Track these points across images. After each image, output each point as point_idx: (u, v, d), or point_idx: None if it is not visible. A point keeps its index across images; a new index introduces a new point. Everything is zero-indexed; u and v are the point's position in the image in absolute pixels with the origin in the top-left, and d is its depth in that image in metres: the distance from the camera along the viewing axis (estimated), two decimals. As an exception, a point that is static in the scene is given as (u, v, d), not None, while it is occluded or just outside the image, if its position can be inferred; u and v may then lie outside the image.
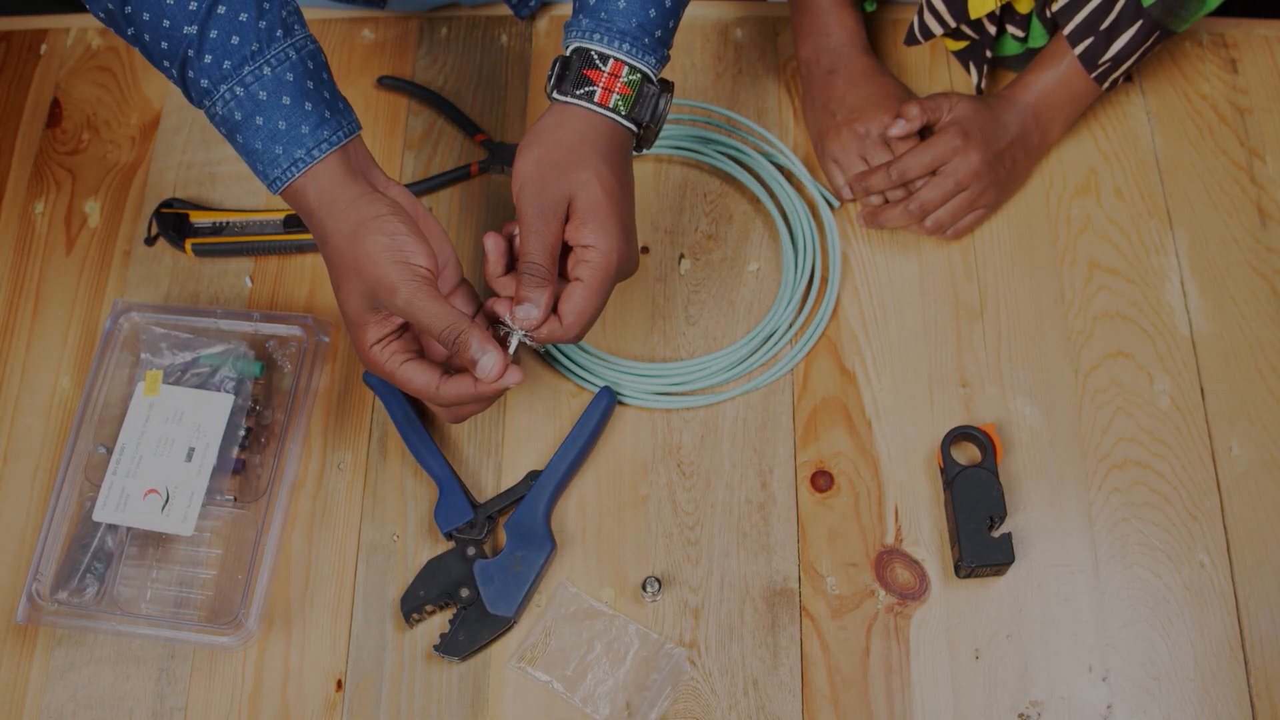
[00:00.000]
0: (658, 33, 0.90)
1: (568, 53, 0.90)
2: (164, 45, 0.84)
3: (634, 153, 0.93)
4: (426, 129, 1.18)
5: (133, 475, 0.98)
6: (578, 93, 0.89)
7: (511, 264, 0.90)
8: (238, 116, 0.84)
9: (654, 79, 0.90)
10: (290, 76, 0.85)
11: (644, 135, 0.92)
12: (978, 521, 0.96)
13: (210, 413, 1.00)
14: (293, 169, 0.85)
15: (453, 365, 0.90)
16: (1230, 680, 0.93)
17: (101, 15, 0.87)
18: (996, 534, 0.96)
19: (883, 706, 0.93)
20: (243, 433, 1.01)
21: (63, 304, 1.10)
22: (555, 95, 0.90)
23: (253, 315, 1.05)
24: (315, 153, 0.85)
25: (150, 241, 1.12)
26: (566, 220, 0.88)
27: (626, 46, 0.89)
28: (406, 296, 0.84)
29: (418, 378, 0.88)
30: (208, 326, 1.05)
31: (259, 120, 0.84)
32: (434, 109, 1.18)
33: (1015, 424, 1.02)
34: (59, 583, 0.96)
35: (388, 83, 1.19)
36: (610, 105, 0.89)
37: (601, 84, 0.88)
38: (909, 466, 1.01)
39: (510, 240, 0.90)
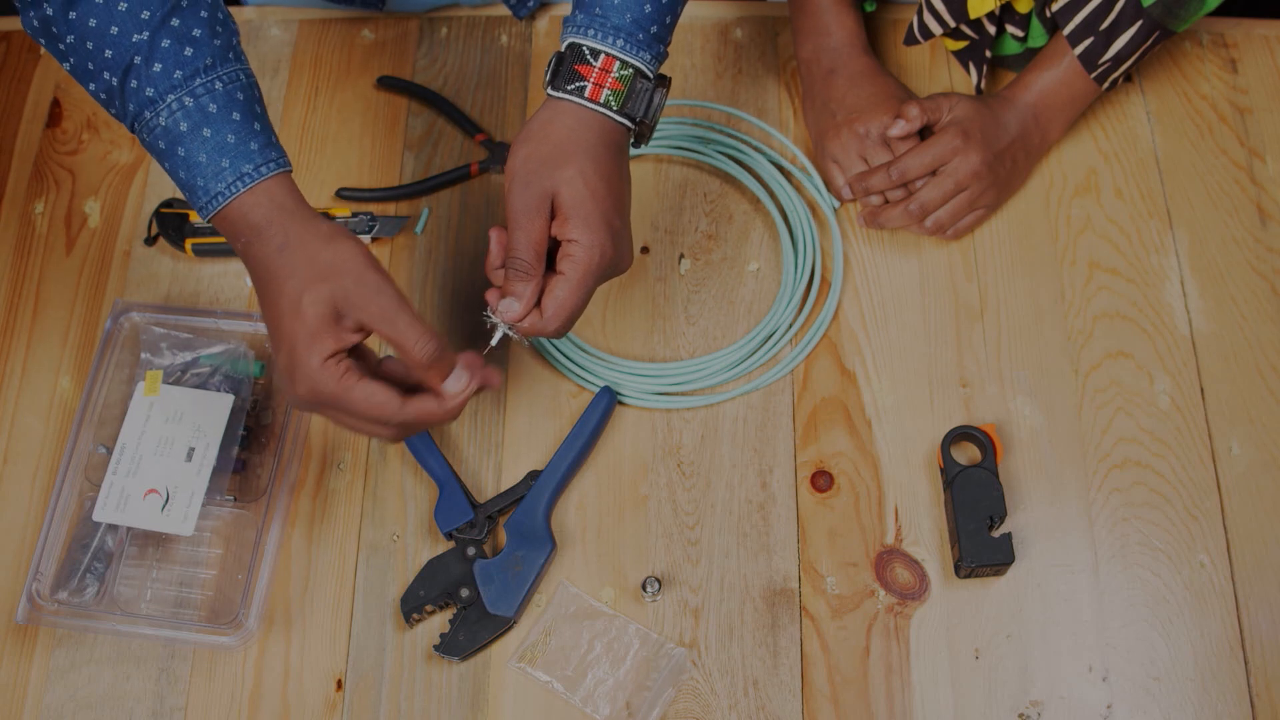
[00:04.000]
0: (653, 28, 0.89)
1: (563, 48, 0.90)
2: (107, 53, 0.82)
3: (632, 147, 0.93)
4: (426, 129, 1.17)
5: (133, 475, 0.98)
6: (569, 88, 0.89)
7: None
8: (183, 127, 0.83)
9: (649, 74, 0.90)
10: (240, 96, 0.84)
11: (640, 131, 0.92)
12: (978, 521, 0.96)
13: (210, 413, 1.00)
14: (239, 183, 0.83)
15: (405, 382, 0.87)
16: (1230, 680, 0.93)
17: (35, 24, 0.85)
18: (996, 534, 0.96)
19: (883, 706, 0.93)
20: (243, 433, 1.01)
21: (63, 304, 1.10)
22: (549, 90, 0.90)
23: (253, 315, 1.05)
24: (265, 169, 0.84)
25: (150, 242, 1.12)
26: (553, 216, 0.88)
27: (620, 42, 0.88)
28: (391, 298, 0.82)
29: (377, 395, 0.83)
30: (208, 326, 1.05)
31: (206, 132, 0.83)
32: (434, 109, 1.18)
33: (1015, 424, 1.02)
34: (59, 583, 0.96)
35: (388, 83, 1.19)
36: (601, 100, 0.88)
37: (592, 79, 0.88)
38: (909, 466, 1.01)
39: None
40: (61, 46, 0.84)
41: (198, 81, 0.83)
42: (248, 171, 0.83)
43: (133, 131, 0.85)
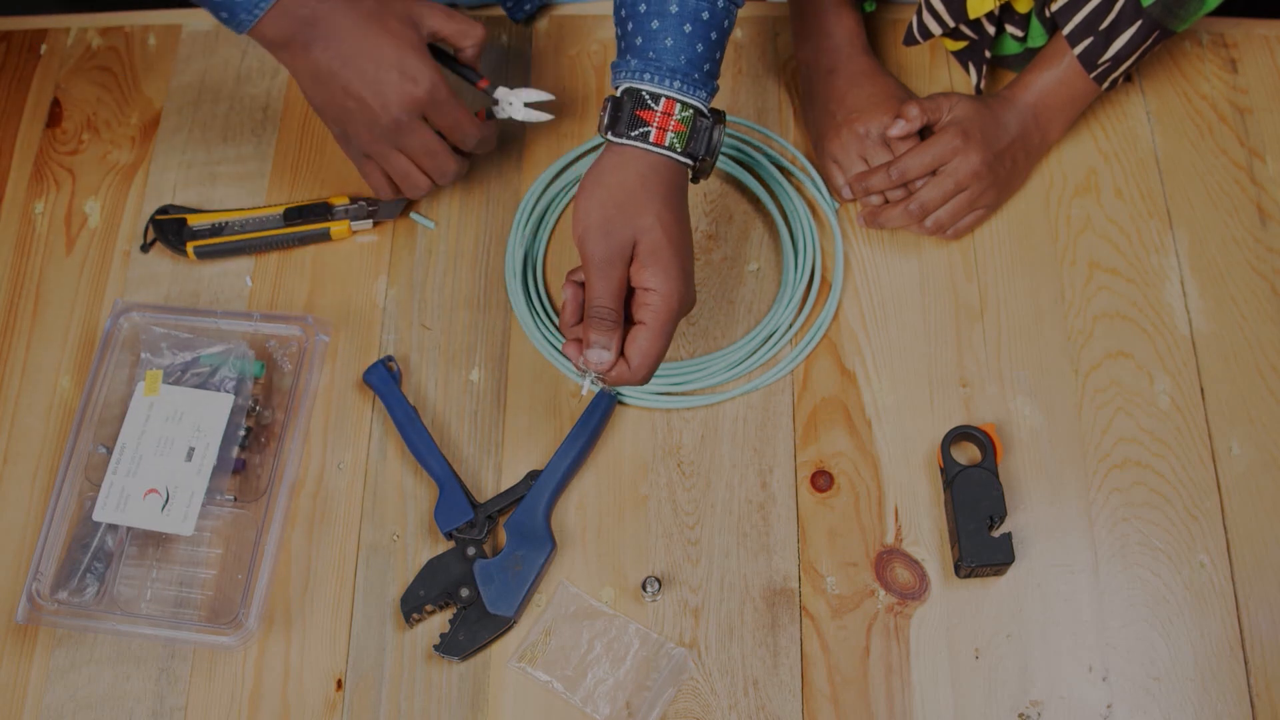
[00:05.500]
0: (706, 66, 0.90)
1: (618, 93, 0.90)
2: None
3: (691, 183, 0.94)
4: (426, 129, 1.17)
5: (133, 475, 0.98)
6: (633, 134, 0.89)
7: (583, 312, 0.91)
8: None
9: (706, 112, 0.91)
10: None
11: (700, 167, 0.92)
12: (978, 521, 0.96)
13: (210, 412, 1.00)
14: None
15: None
16: (1230, 680, 0.93)
17: None
18: (996, 534, 0.96)
19: (883, 706, 0.93)
20: (243, 433, 1.01)
21: (63, 304, 1.10)
22: (610, 137, 0.90)
23: (253, 315, 1.05)
24: None
25: (146, 249, 1.12)
26: (630, 262, 0.89)
27: (677, 84, 0.89)
28: (441, 9, 1.01)
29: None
30: (208, 326, 1.05)
31: None
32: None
33: (1015, 424, 1.02)
34: (59, 582, 0.96)
35: None
36: (666, 144, 0.89)
37: (655, 123, 0.89)
38: (909, 466, 1.01)
39: (583, 287, 0.91)
40: None
41: None
42: None
43: None
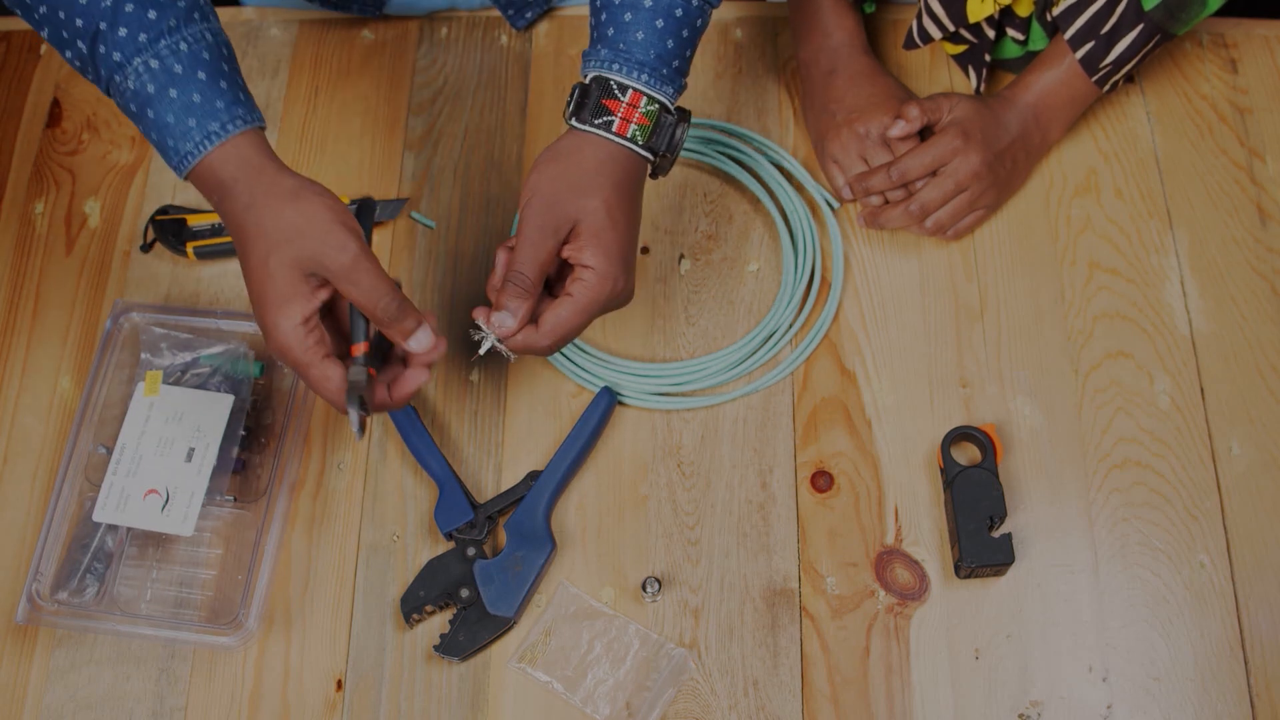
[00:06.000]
0: (675, 63, 0.90)
1: (586, 80, 0.90)
2: (77, 22, 0.83)
3: (650, 178, 0.94)
4: (426, 129, 1.17)
5: (133, 475, 0.98)
6: (596, 122, 0.89)
7: None
8: (150, 89, 0.83)
9: (671, 108, 0.91)
10: (206, 56, 0.84)
11: (659, 164, 0.92)
12: (978, 521, 0.96)
13: (210, 413, 1.00)
14: (206, 142, 0.83)
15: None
16: (1230, 680, 0.93)
17: None
18: (996, 534, 0.96)
19: (883, 706, 0.93)
20: (243, 433, 1.01)
21: (63, 304, 1.10)
22: (574, 123, 0.90)
23: (253, 315, 1.05)
24: (231, 127, 0.84)
25: (146, 249, 1.12)
26: (566, 241, 0.88)
27: (645, 77, 0.89)
28: (356, 254, 0.82)
29: (333, 379, 0.83)
30: (208, 327, 1.05)
31: (172, 93, 0.83)
32: None
33: (1015, 424, 1.02)
34: (59, 583, 0.96)
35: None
36: (628, 135, 0.89)
37: (620, 114, 0.89)
38: (909, 466, 1.01)
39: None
40: (36, 16, 0.86)
41: (162, 43, 0.83)
42: (214, 130, 0.83)
43: (109, 96, 0.86)
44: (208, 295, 1.10)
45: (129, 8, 0.83)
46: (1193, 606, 0.96)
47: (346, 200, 1.12)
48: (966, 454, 1.01)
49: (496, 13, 1.23)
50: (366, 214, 1.06)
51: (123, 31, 0.83)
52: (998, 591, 0.97)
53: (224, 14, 1.23)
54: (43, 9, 0.85)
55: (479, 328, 0.89)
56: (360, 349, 0.85)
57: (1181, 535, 0.98)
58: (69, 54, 0.86)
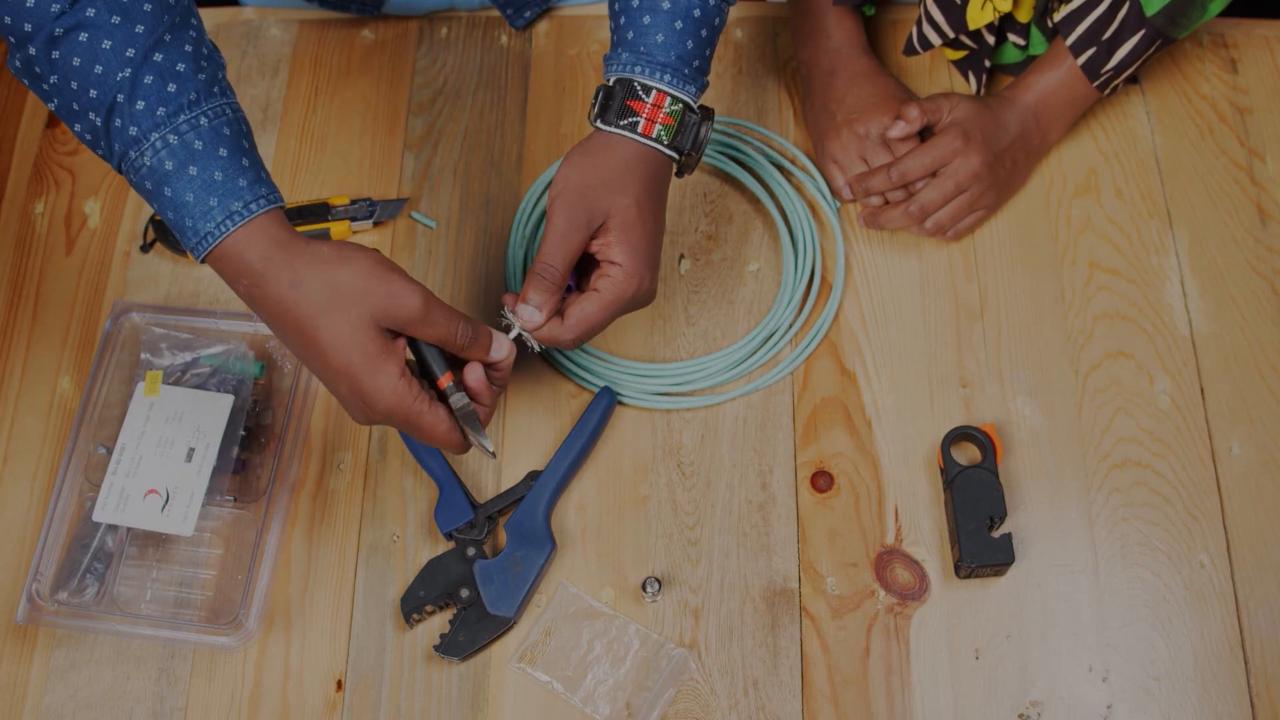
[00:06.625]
0: (696, 62, 0.91)
1: (610, 83, 0.91)
2: (92, 93, 0.79)
3: (675, 177, 0.94)
4: (426, 129, 1.18)
5: (133, 475, 0.98)
6: (621, 123, 0.89)
7: None
8: (168, 166, 0.79)
9: (695, 107, 0.91)
10: (227, 132, 0.80)
11: (684, 162, 0.93)
12: (978, 521, 0.96)
13: (210, 413, 1.00)
14: (229, 221, 0.79)
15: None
16: (1230, 680, 0.93)
17: (18, 64, 0.81)
18: (996, 534, 0.96)
19: (883, 706, 0.93)
20: (243, 433, 1.01)
21: (63, 304, 1.10)
22: (599, 124, 0.90)
23: (253, 316, 1.05)
24: (255, 206, 0.80)
25: (146, 249, 1.12)
26: (595, 236, 0.89)
27: (668, 77, 0.89)
28: (423, 296, 0.81)
29: (442, 423, 0.84)
30: (208, 327, 1.05)
31: (193, 170, 0.79)
32: None
33: (1015, 424, 1.02)
34: (59, 583, 0.96)
35: None
36: (653, 135, 0.89)
37: (645, 114, 0.89)
38: (909, 466, 1.01)
39: None
40: (45, 87, 0.81)
41: (182, 118, 0.79)
42: (237, 209, 0.79)
43: (120, 173, 0.81)
44: (208, 295, 1.10)
45: (148, 80, 0.78)
46: (1193, 606, 0.96)
47: (347, 200, 1.12)
48: (966, 454, 1.01)
49: (496, 12, 1.23)
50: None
51: (140, 104, 0.78)
52: (998, 591, 0.97)
53: (224, 14, 1.24)
54: (54, 78, 0.79)
55: (504, 316, 0.90)
56: (447, 380, 0.85)
57: (1181, 535, 0.98)
58: (79, 127, 0.81)
